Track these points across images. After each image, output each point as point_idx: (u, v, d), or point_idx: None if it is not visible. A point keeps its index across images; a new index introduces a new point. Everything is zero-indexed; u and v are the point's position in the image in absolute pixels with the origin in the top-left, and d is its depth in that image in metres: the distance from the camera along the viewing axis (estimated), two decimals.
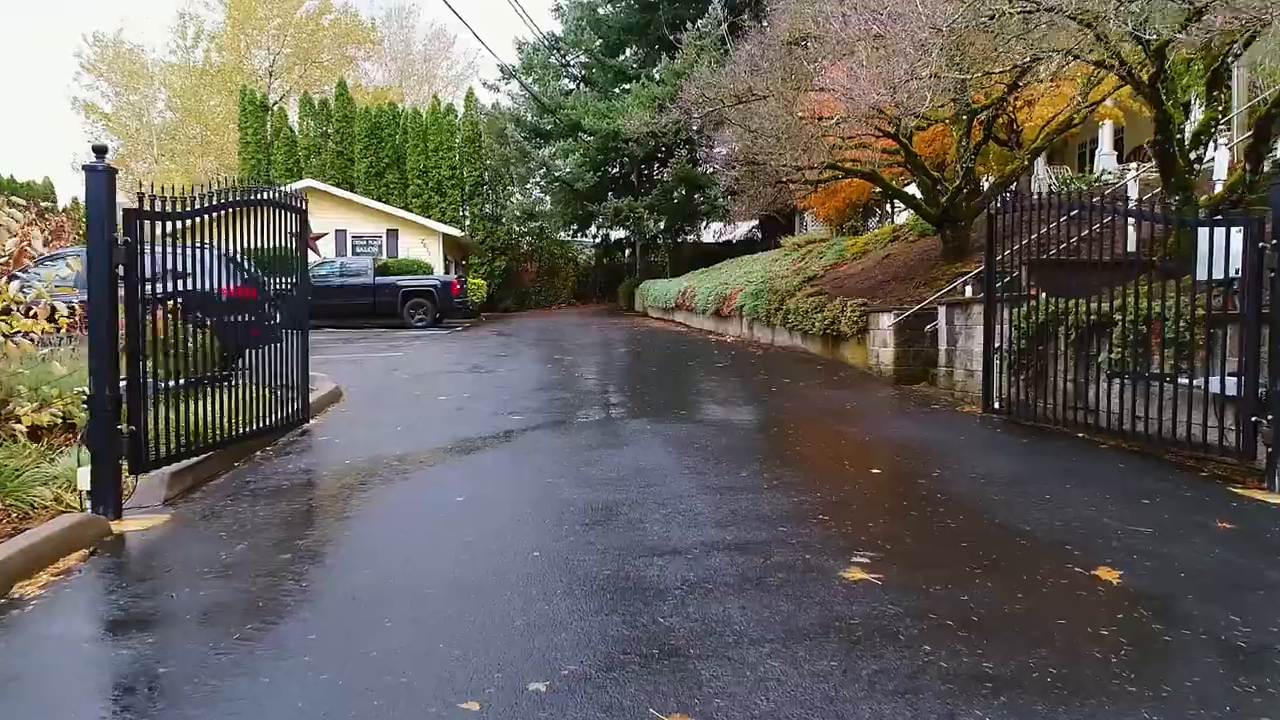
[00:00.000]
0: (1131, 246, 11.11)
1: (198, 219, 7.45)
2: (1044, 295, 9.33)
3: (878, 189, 27.83)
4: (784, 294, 17.52)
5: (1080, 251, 10.61)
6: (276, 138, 37.06)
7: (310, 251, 28.55)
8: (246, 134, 36.93)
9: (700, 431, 8.69)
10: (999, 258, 9.96)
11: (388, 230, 30.08)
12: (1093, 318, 8.32)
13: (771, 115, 13.60)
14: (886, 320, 13.13)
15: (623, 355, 17.01)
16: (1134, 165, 21.33)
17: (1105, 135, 22.95)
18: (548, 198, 36.51)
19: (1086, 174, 20.19)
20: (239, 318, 11.47)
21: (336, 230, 29.57)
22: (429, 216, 33.28)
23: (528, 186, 37.10)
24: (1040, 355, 9.11)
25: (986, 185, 17.47)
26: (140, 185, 7.06)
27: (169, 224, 6.76)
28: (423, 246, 29.92)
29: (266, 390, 8.73)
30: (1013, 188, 15.82)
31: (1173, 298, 7.46)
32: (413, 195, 36.55)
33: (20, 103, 63.91)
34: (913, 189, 17.07)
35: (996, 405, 9.74)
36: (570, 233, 38.33)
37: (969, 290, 11.77)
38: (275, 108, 38.11)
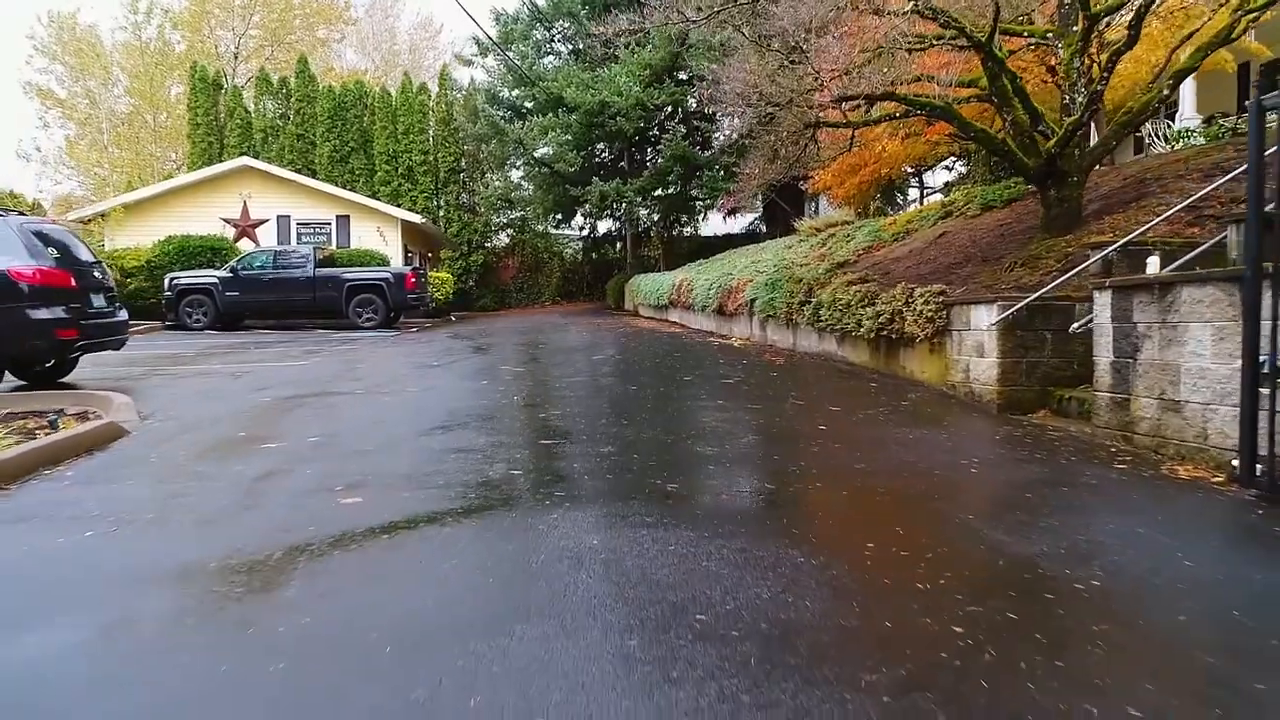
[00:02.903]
0: None
1: None
2: None
3: (908, 167, 23.11)
4: (810, 284, 12.66)
5: None
6: (230, 118, 32.12)
7: (248, 240, 23.69)
8: (196, 114, 31.95)
9: (703, 556, 3.80)
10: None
11: (338, 216, 25.16)
12: None
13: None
14: (984, 316, 8.28)
15: (595, 367, 12.10)
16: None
17: (1186, 96, 18.22)
18: (529, 184, 31.52)
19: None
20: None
21: (278, 216, 24.69)
22: (399, 205, 28.36)
23: (506, 170, 32.11)
24: None
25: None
26: None
27: None
28: (379, 235, 25.02)
29: None
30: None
31: None
32: (380, 182, 31.68)
33: None
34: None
35: (1258, 471, 4.92)
36: (554, 223, 33.37)
37: (1153, 265, 6.87)
38: (230, 87, 33.08)
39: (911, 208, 23.43)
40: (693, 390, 9.54)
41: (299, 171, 28.33)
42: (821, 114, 11.02)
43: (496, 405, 8.30)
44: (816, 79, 9.83)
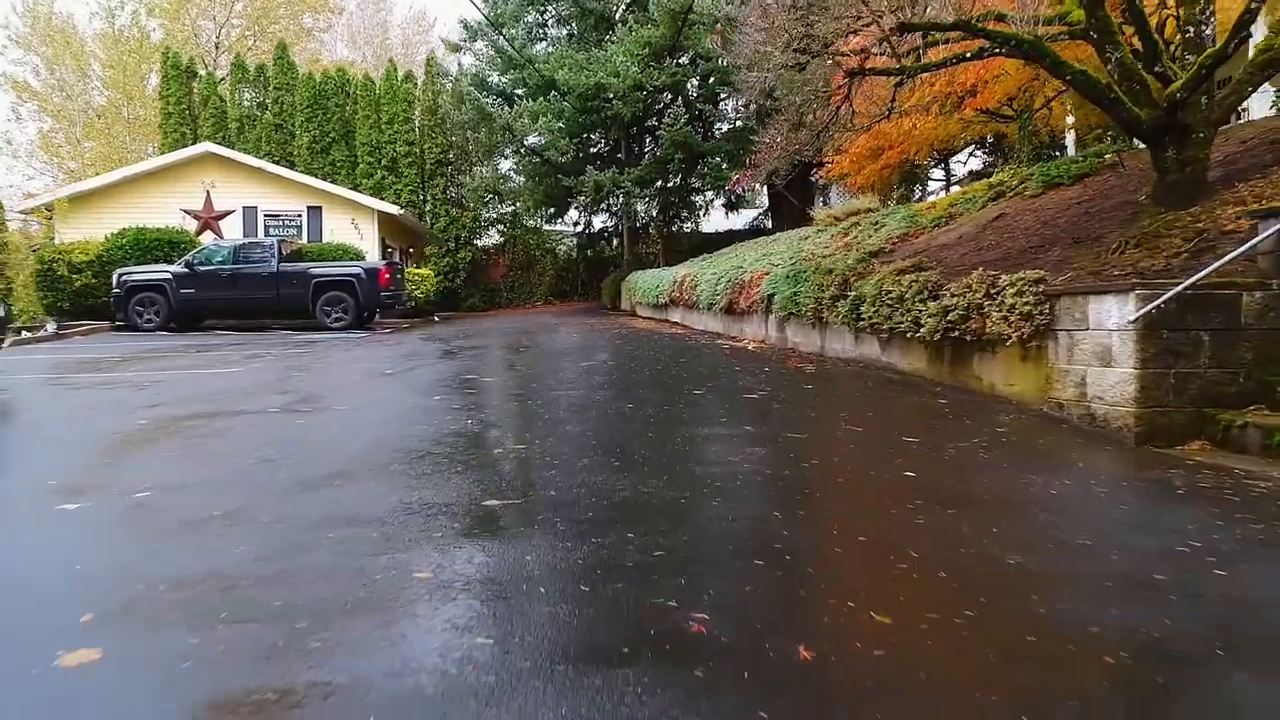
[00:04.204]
0: None
1: None
2: None
3: (933, 152, 20.72)
4: (845, 275, 10.26)
5: None
6: (205, 108, 29.66)
7: (211, 233, 21.32)
8: (168, 103, 29.47)
9: None
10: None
11: (309, 207, 22.68)
12: None
13: None
14: (1113, 310, 5.89)
15: (583, 378, 9.67)
16: None
17: None
18: (520, 175, 29.03)
19: None
20: None
21: (244, 207, 22.22)
22: (383, 199, 25.81)
23: (495, 160, 29.57)
24: None
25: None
26: None
27: None
28: (353, 228, 22.57)
29: None
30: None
31: None
32: (363, 175, 29.22)
33: None
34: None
35: None
36: (546, 216, 30.83)
37: None
38: (205, 74, 30.61)
39: (933, 197, 21.06)
40: (707, 410, 7.13)
41: (277, 163, 25.85)
42: (865, 60, 8.63)
43: (440, 434, 5.88)
44: (865, 3, 7.44)
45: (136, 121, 35.37)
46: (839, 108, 10.28)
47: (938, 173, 27.98)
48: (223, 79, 31.88)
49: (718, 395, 7.85)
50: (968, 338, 7.45)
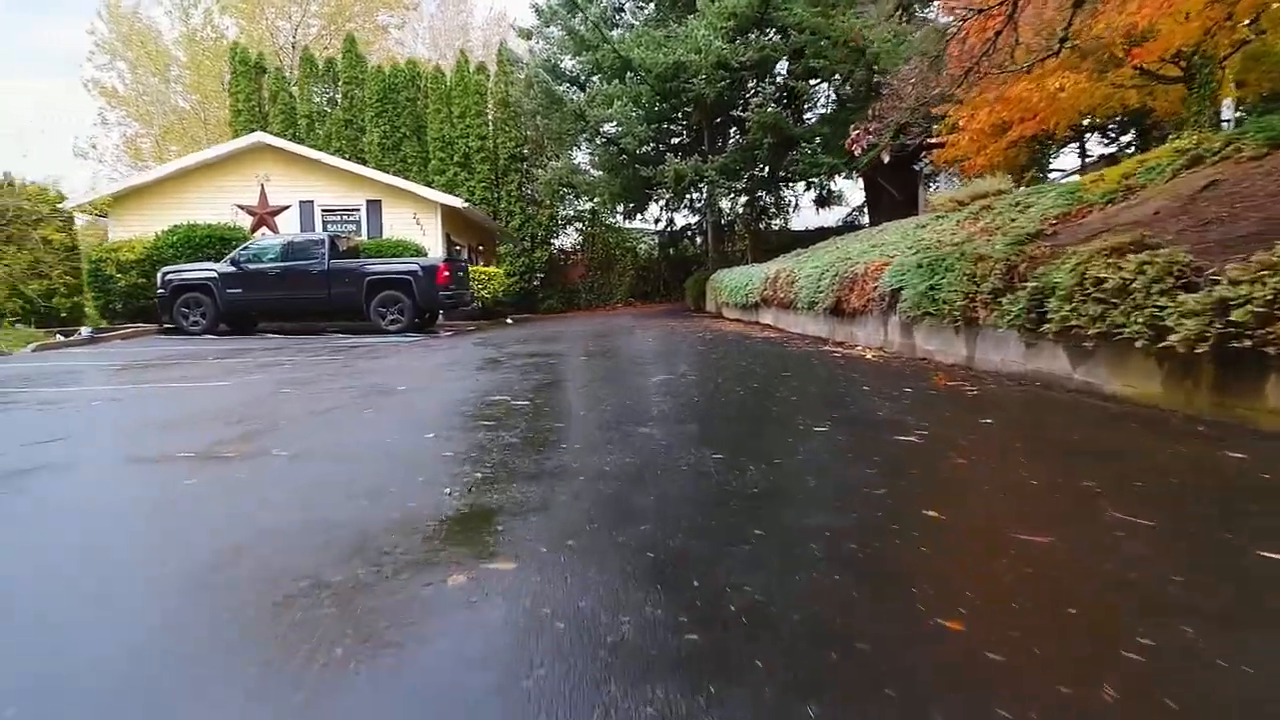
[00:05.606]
0: None
1: None
2: None
3: (1070, 125, 17.31)
4: (1011, 261, 7.28)
5: None
6: (274, 104, 28.08)
7: (266, 230, 19.37)
8: (238, 100, 28.05)
9: None
10: None
11: (368, 201, 20.57)
12: None
13: None
14: None
15: (652, 403, 6.93)
16: None
17: None
18: (597, 168, 26.50)
19: None
20: None
21: (301, 201, 20.24)
22: (455, 195, 23.60)
23: (569, 151, 27.10)
24: None
25: None
26: None
27: None
28: (415, 223, 20.37)
29: None
30: None
31: None
32: (435, 171, 27.26)
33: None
34: None
35: None
36: (626, 210, 28.23)
37: None
38: (273, 70, 29.05)
39: (1072, 178, 17.71)
40: (844, 469, 4.30)
41: (347, 159, 23.88)
42: None
43: (383, 522, 3.24)
44: None
45: (213, 122, 34.26)
46: (997, 34, 7.39)
47: (1057, 161, 24.38)
48: (294, 83, 30.37)
49: (852, 437, 5.01)
50: (1269, 349, 4.46)
